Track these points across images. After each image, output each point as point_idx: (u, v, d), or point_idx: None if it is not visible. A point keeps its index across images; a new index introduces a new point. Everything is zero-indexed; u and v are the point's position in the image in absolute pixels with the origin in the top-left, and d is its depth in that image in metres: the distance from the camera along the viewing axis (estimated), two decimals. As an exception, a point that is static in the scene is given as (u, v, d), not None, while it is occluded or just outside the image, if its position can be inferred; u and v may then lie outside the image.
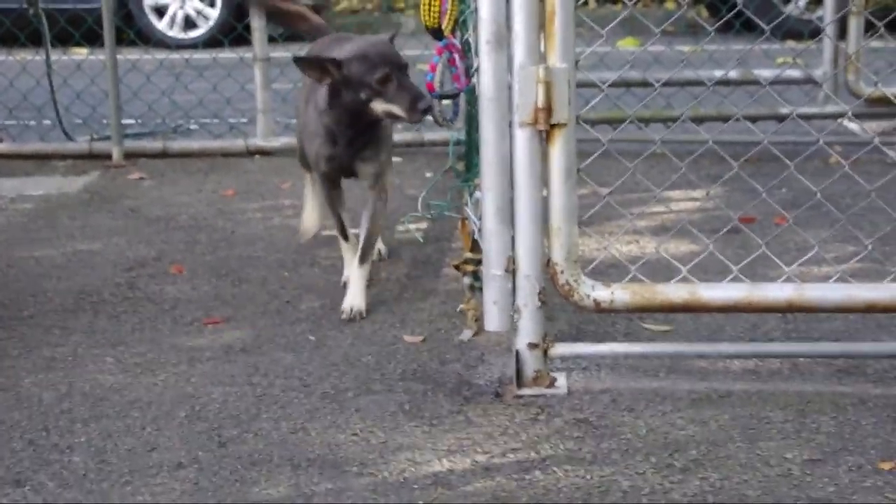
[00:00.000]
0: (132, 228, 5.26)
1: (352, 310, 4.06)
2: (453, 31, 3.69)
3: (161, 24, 11.74)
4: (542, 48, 3.27)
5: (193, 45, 10.75)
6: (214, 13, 11.73)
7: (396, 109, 3.86)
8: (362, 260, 4.15)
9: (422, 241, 4.93)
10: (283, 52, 7.70)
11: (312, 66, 3.95)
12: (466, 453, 3.06)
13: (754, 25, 6.77)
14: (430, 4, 3.55)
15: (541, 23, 3.26)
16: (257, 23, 6.42)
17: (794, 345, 3.68)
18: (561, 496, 2.83)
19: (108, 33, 6.45)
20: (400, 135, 6.38)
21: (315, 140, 4.13)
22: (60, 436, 3.20)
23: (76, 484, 2.94)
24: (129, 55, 7.60)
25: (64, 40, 7.82)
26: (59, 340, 3.91)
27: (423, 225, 5.13)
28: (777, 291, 3.39)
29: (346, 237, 4.32)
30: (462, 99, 3.87)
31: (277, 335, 3.90)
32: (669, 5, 13.73)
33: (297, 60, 3.94)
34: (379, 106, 3.88)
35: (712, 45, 6.87)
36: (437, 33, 3.60)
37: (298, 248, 4.86)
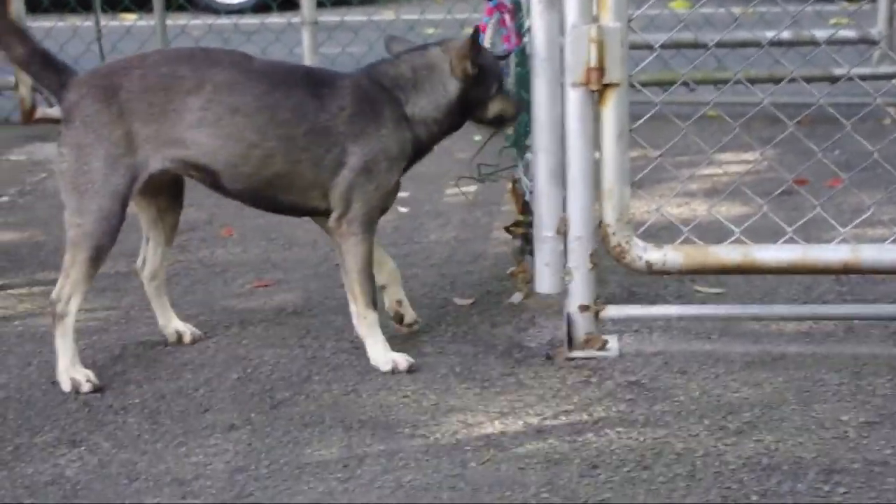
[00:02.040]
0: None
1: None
2: (504, -8, 3.66)
3: (208, -10, 11.73)
4: (595, 8, 3.24)
5: (241, 9, 10.75)
6: (262, -23, 11.70)
7: (510, 109, 3.49)
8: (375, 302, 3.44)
9: (473, 202, 4.91)
10: (332, 16, 7.70)
11: (476, 51, 3.35)
12: (518, 415, 3.05)
13: (807, -15, 6.69)
14: (480, -36, 3.52)
15: (593, -19, 3.23)
16: (305, -14, 6.40)
17: (849, 307, 3.65)
18: (614, 458, 2.82)
19: (157, -2, 6.47)
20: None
21: (399, 166, 3.35)
22: (115, 397, 3.22)
23: (131, 444, 2.96)
24: (177, 20, 7.62)
25: (113, 5, 7.84)
26: (112, 303, 3.93)
27: (472, 188, 5.11)
28: (832, 253, 3.35)
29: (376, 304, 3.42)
30: (512, 59, 3.85)
31: (328, 298, 3.90)
32: (719, -34, 13.56)
33: (477, 46, 3.34)
34: (498, 105, 3.45)
35: (763, 6, 6.78)
36: (487, -7, 3.58)
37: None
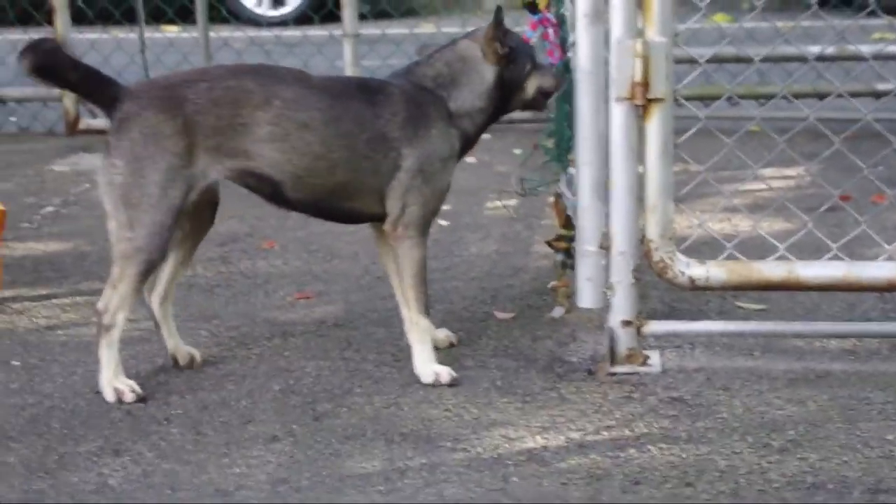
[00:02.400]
0: (224, 204, 5.28)
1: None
2: (548, 6, 3.67)
3: (250, 2, 11.80)
4: (640, 22, 3.24)
5: (283, 21, 10.81)
6: (304, -10, 11.74)
7: (548, 81, 3.50)
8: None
9: (514, 216, 4.91)
10: (373, 29, 7.73)
11: (503, 33, 3.40)
12: (560, 430, 3.05)
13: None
14: (524, -22, 3.53)
15: (638, -4, 3.23)
16: (347, -1, 6.43)
17: (894, 325, 3.61)
18: (656, 474, 2.80)
19: (200, 11, 6.52)
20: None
21: (451, 165, 3.40)
22: (158, 407, 3.24)
23: (173, 455, 2.97)
24: (220, 32, 7.66)
25: (157, 17, 7.90)
26: (154, 313, 3.95)
27: (513, 201, 5.11)
28: (877, 270, 3.33)
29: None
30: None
31: (370, 310, 3.91)
32: (760, -20, 13.50)
33: (501, 26, 3.37)
34: (536, 80, 3.46)
35: (807, 21, 6.76)
36: (531, 7, 3.59)
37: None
